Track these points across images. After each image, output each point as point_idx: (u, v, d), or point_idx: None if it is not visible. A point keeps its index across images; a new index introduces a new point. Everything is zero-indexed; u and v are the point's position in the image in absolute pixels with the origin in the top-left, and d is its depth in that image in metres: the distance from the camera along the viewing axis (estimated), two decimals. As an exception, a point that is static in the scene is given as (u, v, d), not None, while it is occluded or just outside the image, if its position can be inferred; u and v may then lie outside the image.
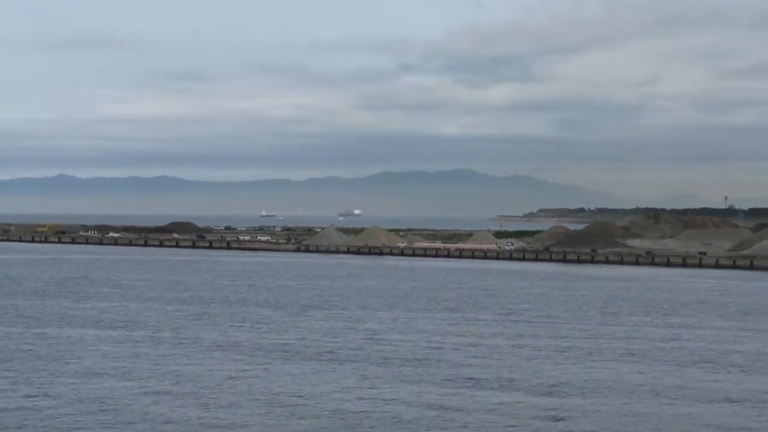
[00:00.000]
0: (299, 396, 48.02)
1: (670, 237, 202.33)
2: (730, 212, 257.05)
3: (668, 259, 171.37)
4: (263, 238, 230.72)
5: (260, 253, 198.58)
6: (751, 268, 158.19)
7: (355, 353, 63.01)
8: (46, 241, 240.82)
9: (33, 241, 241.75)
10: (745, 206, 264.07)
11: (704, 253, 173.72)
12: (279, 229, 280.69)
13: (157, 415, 43.18)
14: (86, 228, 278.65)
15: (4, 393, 48.37)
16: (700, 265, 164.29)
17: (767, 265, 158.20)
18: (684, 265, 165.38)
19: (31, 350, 63.32)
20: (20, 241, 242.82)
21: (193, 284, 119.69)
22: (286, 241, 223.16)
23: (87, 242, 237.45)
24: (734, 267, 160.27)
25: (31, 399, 46.96)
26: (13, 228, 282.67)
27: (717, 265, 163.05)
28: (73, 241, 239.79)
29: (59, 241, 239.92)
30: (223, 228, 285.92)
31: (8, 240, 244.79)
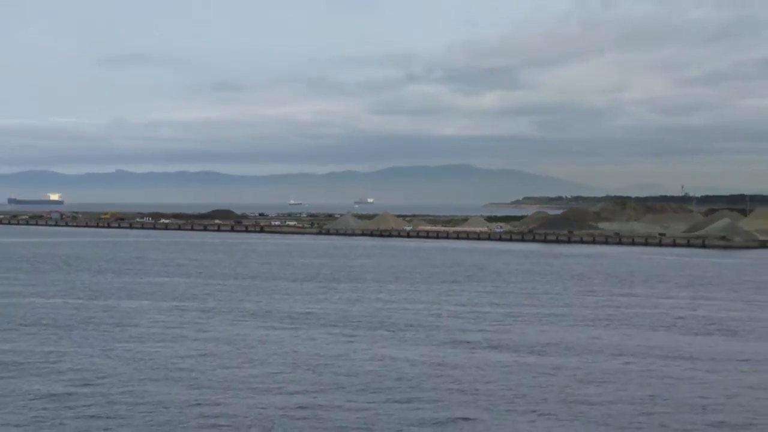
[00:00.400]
0: (320, 355, 48.22)
1: (635, 221, 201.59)
2: (686, 199, 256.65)
3: (633, 239, 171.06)
4: (291, 223, 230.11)
5: (288, 236, 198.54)
6: (703, 246, 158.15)
7: (367, 320, 63.10)
8: (108, 227, 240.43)
9: (97, 226, 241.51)
10: (698, 194, 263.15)
11: (663, 234, 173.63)
12: (304, 216, 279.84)
13: (200, 373, 43.40)
14: (141, 215, 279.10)
15: (72, 355, 48.65)
16: (660, 245, 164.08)
17: (716, 244, 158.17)
18: (646, 244, 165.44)
19: (94, 318, 63.39)
20: (86, 226, 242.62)
21: (231, 263, 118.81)
22: (310, 225, 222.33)
23: (142, 227, 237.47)
24: (688, 246, 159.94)
25: (94, 359, 47.10)
26: (80, 215, 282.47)
27: (674, 244, 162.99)
28: (130, 227, 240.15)
29: (119, 227, 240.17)
30: (257, 215, 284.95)
31: (76, 226, 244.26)
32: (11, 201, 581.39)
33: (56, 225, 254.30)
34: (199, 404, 36.20)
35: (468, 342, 52.69)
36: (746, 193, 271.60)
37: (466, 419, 33.48)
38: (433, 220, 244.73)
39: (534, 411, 34.98)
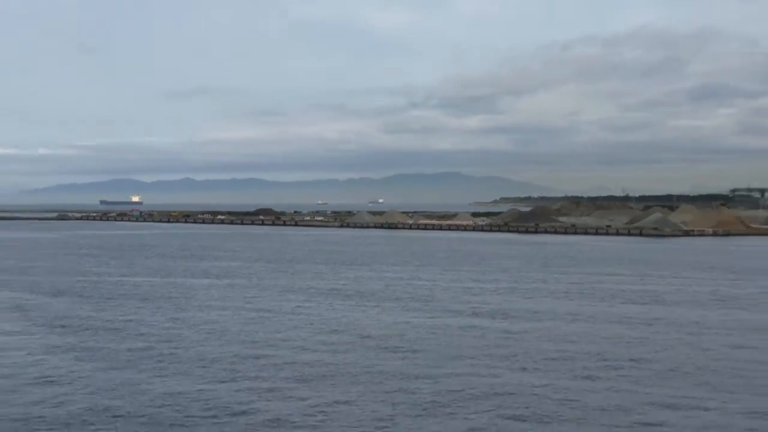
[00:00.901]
0: (339, 322, 48.21)
1: (587, 215, 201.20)
2: (626, 199, 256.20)
3: (585, 230, 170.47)
4: (319, 218, 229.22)
5: (316, 228, 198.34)
6: (640, 235, 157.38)
7: (378, 293, 62.85)
8: (176, 222, 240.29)
9: (168, 221, 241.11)
10: (636, 194, 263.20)
11: (609, 226, 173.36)
12: (329, 212, 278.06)
13: (246, 334, 43.68)
14: (202, 212, 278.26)
15: (148, 321, 48.71)
16: (606, 234, 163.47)
17: (650, 233, 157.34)
18: (596, 233, 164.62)
19: (165, 292, 63.34)
20: (159, 221, 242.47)
21: (271, 250, 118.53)
22: (333, 220, 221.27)
23: (203, 222, 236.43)
24: (629, 234, 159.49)
25: (165, 324, 47.30)
26: (155, 213, 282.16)
27: (617, 234, 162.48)
28: (194, 222, 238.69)
29: (185, 222, 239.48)
30: (292, 212, 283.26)
31: (152, 221, 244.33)
32: (103, 202, 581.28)
33: (137, 221, 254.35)
34: (245, 357, 36.56)
35: (455, 310, 52.61)
36: (673, 193, 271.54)
37: (452, 372, 33.50)
38: (430, 215, 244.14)
39: (506, 362, 35.16)
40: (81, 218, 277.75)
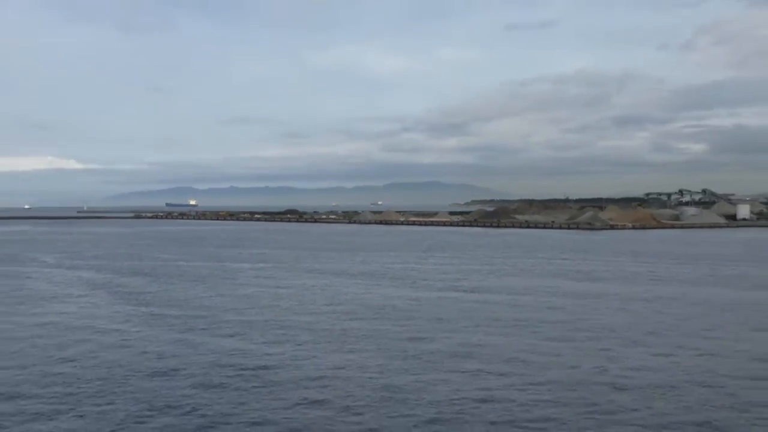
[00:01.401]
0: (347, 296, 47.84)
1: (537, 214, 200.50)
2: (567, 201, 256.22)
3: (536, 225, 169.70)
4: (332, 216, 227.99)
5: (331, 225, 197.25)
6: (577, 228, 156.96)
7: (376, 273, 62.78)
8: (223, 220, 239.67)
9: (217, 219, 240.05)
10: (574, 197, 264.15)
11: (554, 222, 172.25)
12: (340, 212, 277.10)
13: (276, 306, 43.42)
14: (243, 212, 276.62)
15: (201, 295, 48.62)
16: (552, 228, 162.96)
17: (584, 227, 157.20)
18: (544, 227, 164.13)
19: (214, 274, 63.15)
20: (210, 219, 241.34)
21: (295, 240, 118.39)
22: (343, 218, 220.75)
23: (244, 220, 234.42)
24: (569, 228, 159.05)
25: (214, 298, 47.13)
26: (207, 213, 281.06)
27: (560, 228, 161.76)
28: (237, 220, 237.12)
29: (230, 220, 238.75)
30: (312, 212, 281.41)
31: (205, 219, 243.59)
32: (167, 204, 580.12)
33: (193, 219, 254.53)
34: (274, 322, 36.41)
35: (436, 287, 52.44)
36: (602, 196, 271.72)
37: (434, 334, 33.57)
38: (417, 213, 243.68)
39: (477, 327, 35.06)
40: (151, 217, 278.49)
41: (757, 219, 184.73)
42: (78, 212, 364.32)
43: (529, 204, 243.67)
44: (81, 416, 21.09)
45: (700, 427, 19.99)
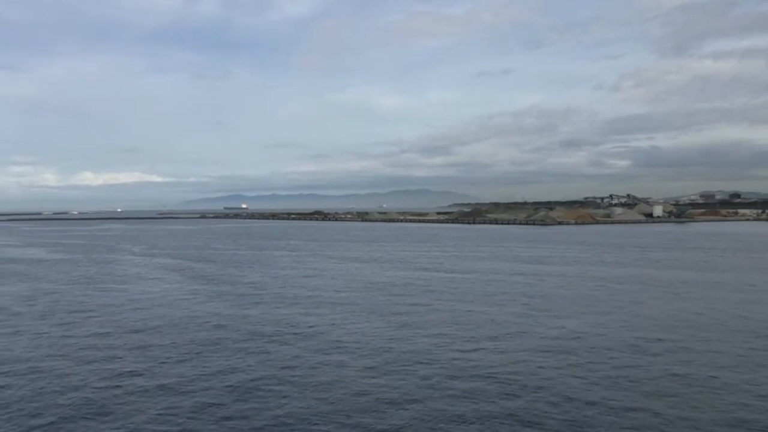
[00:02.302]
0: (362, 276, 47.84)
1: (503, 213, 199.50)
2: (525, 203, 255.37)
3: (502, 222, 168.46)
4: (349, 216, 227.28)
5: (347, 222, 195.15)
6: (533, 224, 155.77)
7: (380, 258, 62.50)
8: (268, 219, 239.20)
9: (263, 218, 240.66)
10: (531, 200, 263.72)
11: (515, 219, 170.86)
12: (355, 212, 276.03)
13: (305, 284, 43.29)
14: (283, 213, 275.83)
15: (248, 276, 48.50)
16: (514, 224, 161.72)
17: (539, 223, 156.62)
18: (508, 224, 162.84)
19: (259, 259, 63.06)
20: (258, 219, 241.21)
21: (321, 234, 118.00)
22: (357, 217, 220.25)
23: (283, 219, 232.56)
24: (526, 224, 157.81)
25: (257, 277, 47.08)
26: (256, 214, 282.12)
27: (520, 224, 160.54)
28: (278, 219, 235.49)
29: (273, 219, 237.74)
30: (334, 212, 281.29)
31: (254, 218, 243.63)
32: (225, 208, 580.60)
33: (244, 218, 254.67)
34: (303, 296, 36.36)
35: (426, 268, 52.26)
36: (552, 200, 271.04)
37: (420, 303, 33.68)
38: (413, 214, 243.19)
39: (460, 300, 34.86)
40: (213, 217, 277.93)
41: (668, 216, 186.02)
42: (158, 214, 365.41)
43: (497, 206, 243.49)
44: (159, 362, 21.38)
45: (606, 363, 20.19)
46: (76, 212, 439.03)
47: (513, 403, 17.05)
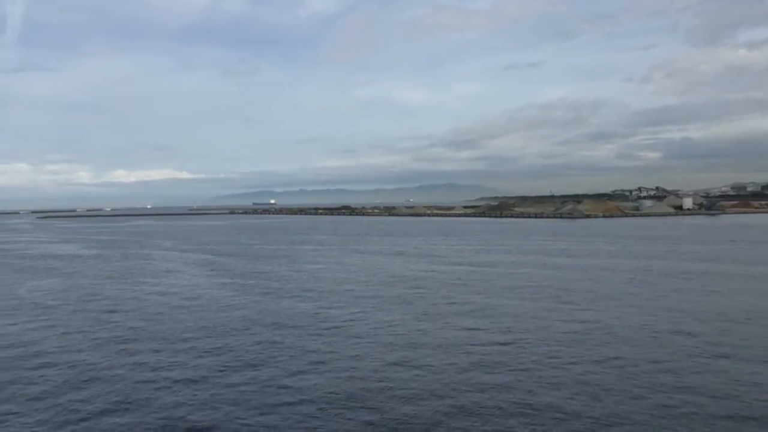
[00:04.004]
0: (382, 269, 47.86)
1: (530, 207, 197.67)
2: (553, 197, 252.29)
3: (529, 215, 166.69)
4: (376, 211, 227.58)
5: (375, 217, 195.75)
6: (561, 218, 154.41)
7: (405, 252, 62.39)
8: (296, 215, 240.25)
9: (290, 213, 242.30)
10: (559, 194, 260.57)
11: (542, 213, 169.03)
12: (382, 207, 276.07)
13: (329, 276, 43.43)
14: (310, 208, 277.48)
15: (276, 269, 48.96)
16: (541, 217, 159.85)
17: (566, 216, 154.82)
18: (535, 217, 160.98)
19: (286, 254, 63.42)
20: (286, 214, 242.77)
21: (347, 228, 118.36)
22: (385, 212, 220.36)
23: (311, 214, 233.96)
24: (554, 218, 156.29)
25: (285, 271, 47.24)
26: (284, 209, 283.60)
27: (547, 217, 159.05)
28: (305, 214, 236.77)
29: (300, 214, 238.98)
30: (361, 207, 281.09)
31: (282, 214, 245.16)
32: (254, 203, 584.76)
33: (273, 214, 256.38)
34: (329, 289, 36.48)
35: (449, 261, 52.19)
36: (579, 193, 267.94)
37: (441, 295, 33.56)
38: (439, 208, 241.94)
39: (474, 291, 34.86)
40: (242, 213, 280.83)
41: (698, 209, 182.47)
42: (188, 210, 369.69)
43: (524, 199, 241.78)
44: (192, 348, 21.65)
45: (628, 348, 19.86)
46: (109, 209, 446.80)
47: (550, 395, 16.87)
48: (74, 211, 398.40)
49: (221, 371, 19.66)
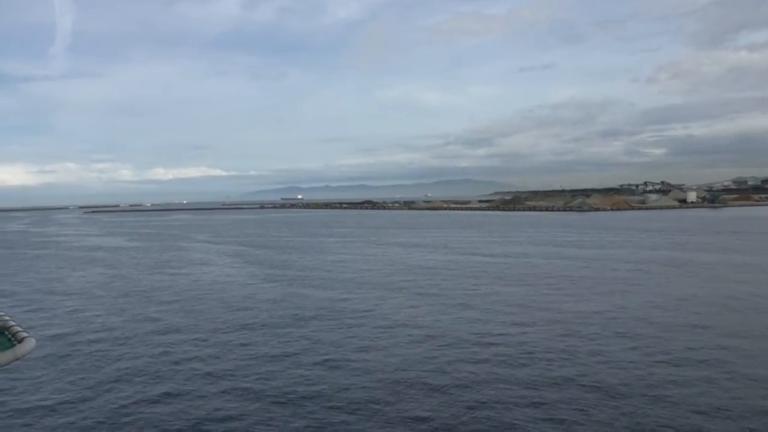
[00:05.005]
0: (401, 260, 47.59)
1: (541, 201, 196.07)
2: (563, 191, 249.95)
3: (540, 209, 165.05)
4: (396, 205, 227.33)
5: (395, 211, 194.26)
6: (570, 211, 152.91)
7: (423, 244, 61.98)
8: (321, 209, 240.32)
9: (317, 208, 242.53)
10: (569, 188, 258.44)
11: (553, 206, 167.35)
12: (402, 202, 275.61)
13: (353, 267, 43.19)
14: (335, 203, 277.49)
15: (302, 261, 48.86)
16: (552, 210, 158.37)
17: (576, 210, 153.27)
18: (546, 210, 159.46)
19: (312, 246, 63.46)
20: (312, 209, 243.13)
21: (370, 221, 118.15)
22: (405, 206, 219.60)
23: (335, 208, 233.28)
24: (563, 211, 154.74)
25: (311, 262, 47.19)
26: (310, 204, 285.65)
27: (557, 210, 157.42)
28: (330, 208, 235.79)
29: (326, 209, 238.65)
30: (382, 201, 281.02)
31: (308, 208, 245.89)
32: (282, 198, 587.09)
33: (300, 208, 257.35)
34: (351, 280, 36.35)
35: (464, 251, 51.70)
36: (588, 187, 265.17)
37: (457, 285, 33.33)
38: (456, 202, 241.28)
39: (487, 280, 34.48)
40: (271, 207, 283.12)
41: (702, 202, 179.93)
42: (221, 205, 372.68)
43: (536, 193, 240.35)
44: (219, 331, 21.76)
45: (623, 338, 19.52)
46: (149, 204, 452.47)
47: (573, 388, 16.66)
48: (118, 206, 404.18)
49: (247, 362, 19.67)
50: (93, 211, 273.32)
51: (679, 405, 14.36)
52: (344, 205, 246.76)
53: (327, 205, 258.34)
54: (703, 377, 16.34)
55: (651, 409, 14.12)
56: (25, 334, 6.38)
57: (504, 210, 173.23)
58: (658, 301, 27.19)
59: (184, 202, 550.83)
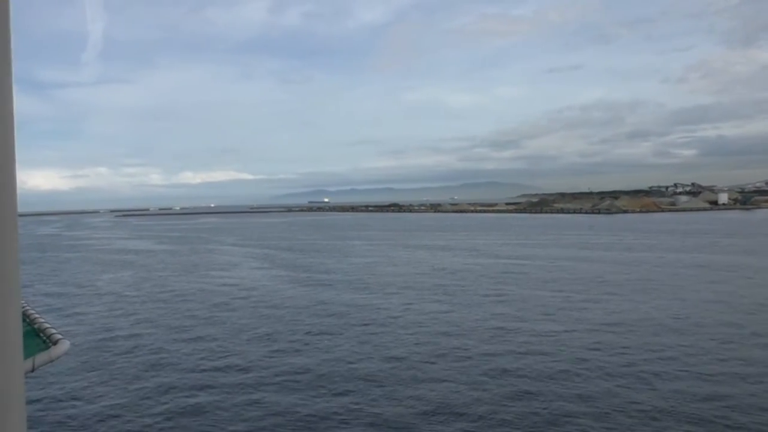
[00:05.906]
0: (426, 261, 47.17)
1: (569, 203, 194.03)
2: (591, 193, 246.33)
3: (568, 211, 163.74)
4: (422, 208, 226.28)
5: (421, 213, 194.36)
6: (599, 213, 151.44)
7: (449, 246, 61.46)
8: (348, 212, 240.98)
9: (343, 210, 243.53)
10: (596, 190, 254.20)
11: (581, 208, 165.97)
12: (429, 204, 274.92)
13: (374, 267, 43.03)
14: (361, 206, 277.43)
15: (328, 263, 48.78)
16: (580, 213, 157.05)
17: (604, 212, 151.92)
18: (574, 213, 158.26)
19: (339, 248, 63.28)
20: (337, 211, 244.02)
21: (395, 224, 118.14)
22: (431, 209, 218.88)
23: (361, 211, 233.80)
24: (592, 213, 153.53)
25: (337, 265, 47.09)
26: (337, 207, 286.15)
27: (586, 212, 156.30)
28: (356, 211, 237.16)
29: (352, 212, 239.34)
30: (408, 204, 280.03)
31: (335, 211, 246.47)
32: (309, 202, 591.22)
33: (327, 211, 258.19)
34: (377, 282, 36.05)
35: (486, 254, 51.00)
36: (617, 189, 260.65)
37: (478, 284, 32.85)
38: (483, 205, 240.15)
39: (508, 283, 33.93)
40: (298, 210, 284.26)
41: (733, 204, 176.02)
42: (249, 208, 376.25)
43: (563, 196, 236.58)
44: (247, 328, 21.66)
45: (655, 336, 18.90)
46: (178, 208, 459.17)
47: (603, 383, 16.18)
48: (147, 210, 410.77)
49: (271, 357, 19.56)
50: (123, 215, 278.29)
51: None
52: (370, 208, 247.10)
53: (353, 208, 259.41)
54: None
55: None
56: (59, 336, 6.42)
57: (531, 212, 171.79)
58: (693, 305, 26.44)
59: (212, 205, 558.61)
